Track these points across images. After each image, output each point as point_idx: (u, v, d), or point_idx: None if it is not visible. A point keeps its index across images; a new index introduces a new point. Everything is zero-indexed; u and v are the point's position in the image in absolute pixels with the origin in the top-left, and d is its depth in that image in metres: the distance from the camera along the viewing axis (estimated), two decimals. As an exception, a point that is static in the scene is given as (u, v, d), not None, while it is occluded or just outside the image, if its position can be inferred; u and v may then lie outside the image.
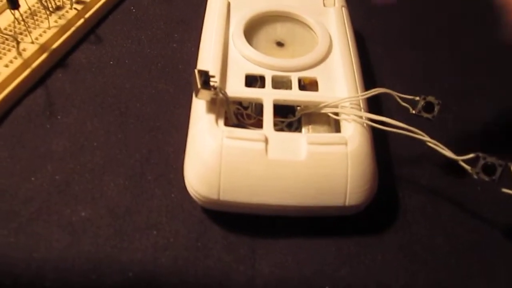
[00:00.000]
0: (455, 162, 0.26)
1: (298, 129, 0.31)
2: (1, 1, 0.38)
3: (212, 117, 0.28)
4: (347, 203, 0.27)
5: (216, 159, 0.26)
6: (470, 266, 0.28)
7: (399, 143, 0.33)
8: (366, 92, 0.29)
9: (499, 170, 0.25)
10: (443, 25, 0.45)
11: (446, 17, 0.46)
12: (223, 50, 0.32)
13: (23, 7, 0.37)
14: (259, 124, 0.29)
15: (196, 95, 0.27)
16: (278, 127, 0.31)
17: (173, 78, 0.37)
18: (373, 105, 0.31)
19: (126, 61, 0.38)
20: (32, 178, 0.30)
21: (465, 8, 0.47)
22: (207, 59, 0.32)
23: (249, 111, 0.31)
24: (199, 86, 0.27)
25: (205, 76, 0.27)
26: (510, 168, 0.25)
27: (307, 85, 0.32)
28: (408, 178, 0.32)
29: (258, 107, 0.31)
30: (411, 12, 0.46)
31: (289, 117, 0.31)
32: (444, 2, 0.47)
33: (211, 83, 0.27)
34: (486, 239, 0.29)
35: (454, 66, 0.40)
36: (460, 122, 0.35)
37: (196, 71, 0.27)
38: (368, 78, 0.36)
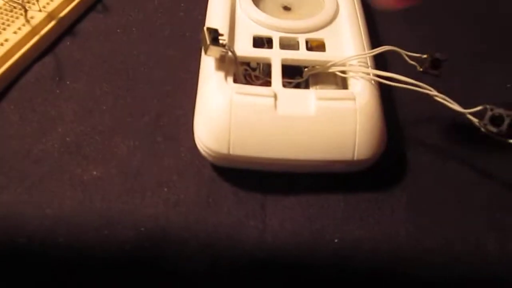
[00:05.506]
0: (462, 117, 0.27)
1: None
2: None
3: (221, 74, 0.28)
4: (355, 157, 0.27)
5: (226, 115, 0.27)
6: (477, 221, 0.28)
7: (405, 102, 0.33)
8: (373, 50, 0.29)
9: (506, 120, 0.25)
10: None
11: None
12: (230, 13, 0.32)
13: (30, -25, 0.37)
14: (267, 85, 0.29)
15: (206, 52, 0.27)
16: (285, 88, 0.31)
17: (180, 45, 0.37)
18: (380, 65, 0.31)
19: (133, 30, 0.38)
20: (43, 140, 0.30)
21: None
22: (215, 21, 0.32)
23: (257, 73, 0.31)
24: (208, 42, 0.27)
25: (214, 33, 0.27)
26: (517, 119, 0.25)
27: (314, 47, 0.32)
28: (415, 137, 0.32)
29: (266, 69, 0.31)
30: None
31: (296, 78, 0.31)
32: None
33: (220, 41, 0.28)
34: (493, 194, 0.29)
35: (465, 29, 0.40)
36: (468, 83, 0.35)
37: (205, 28, 0.27)
38: (375, 41, 0.36)
